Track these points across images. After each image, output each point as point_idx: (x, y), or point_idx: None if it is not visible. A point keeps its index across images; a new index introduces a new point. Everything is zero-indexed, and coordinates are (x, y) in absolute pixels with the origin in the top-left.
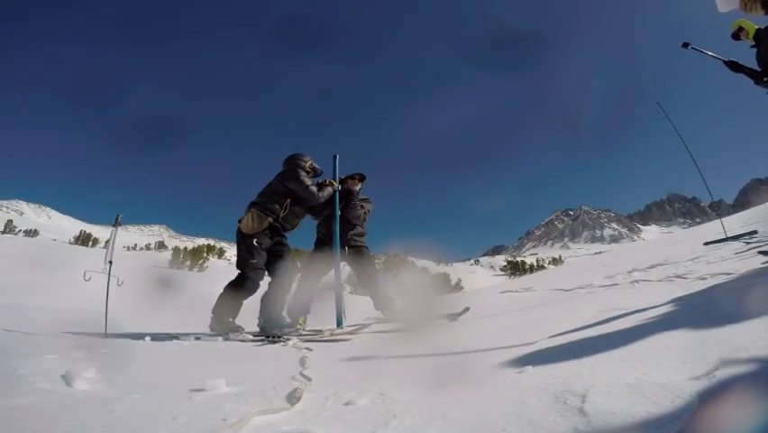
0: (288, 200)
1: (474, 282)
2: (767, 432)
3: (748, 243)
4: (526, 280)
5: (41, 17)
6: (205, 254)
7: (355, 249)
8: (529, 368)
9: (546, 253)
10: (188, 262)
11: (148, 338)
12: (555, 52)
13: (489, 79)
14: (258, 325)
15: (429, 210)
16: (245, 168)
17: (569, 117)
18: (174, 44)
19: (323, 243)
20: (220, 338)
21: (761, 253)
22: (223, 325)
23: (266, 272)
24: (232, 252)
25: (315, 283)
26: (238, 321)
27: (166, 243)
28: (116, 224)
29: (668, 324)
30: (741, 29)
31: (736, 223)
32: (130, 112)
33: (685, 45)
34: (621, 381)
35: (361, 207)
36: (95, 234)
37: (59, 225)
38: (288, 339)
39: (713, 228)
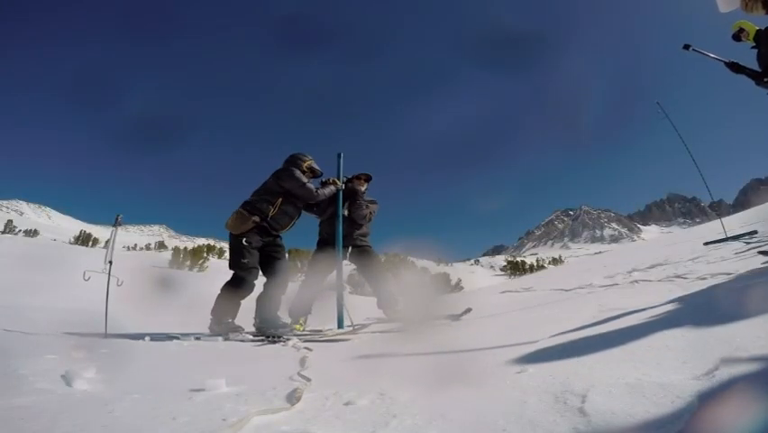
0: (280, 200)
1: (474, 282)
2: (767, 432)
3: (748, 243)
4: (526, 280)
5: (41, 17)
6: (205, 254)
7: (360, 249)
8: (529, 368)
9: (546, 253)
10: (188, 262)
11: (148, 338)
12: (555, 52)
13: (489, 79)
14: (254, 325)
15: (429, 210)
16: (245, 168)
17: (569, 117)
18: (174, 44)
19: (326, 242)
20: (220, 338)
21: (761, 253)
22: (222, 325)
23: (260, 272)
24: None
25: (320, 283)
26: (237, 321)
27: (166, 243)
28: (116, 224)
29: (668, 324)
30: (742, 30)
31: (736, 223)
32: (130, 112)
33: (686, 47)
34: (621, 381)
35: (367, 206)
36: (95, 234)
37: (59, 225)
38: (288, 339)
39: (713, 228)
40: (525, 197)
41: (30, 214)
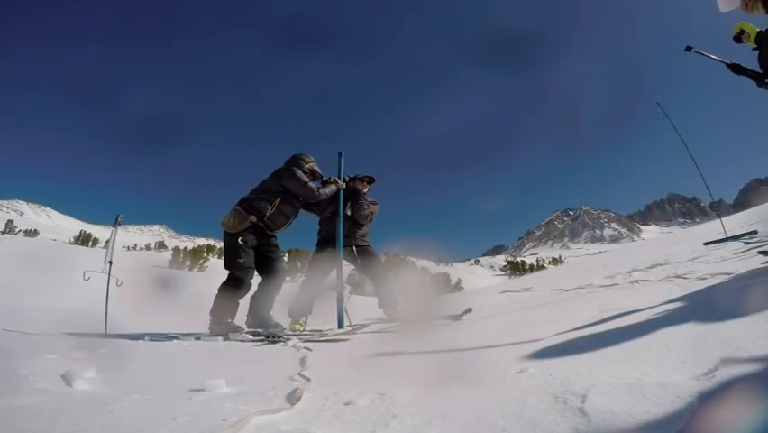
0: (279, 199)
1: (474, 282)
2: (767, 432)
3: (748, 243)
4: (526, 280)
5: (41, 17)
6: (205, 254)
7: (361, 249)
8: (529, 368)
9: (546, 253)
10: (188, 262)
11: (148, 338)
12: (555, 52)
13: (489, 79)
14: (246, 323)
15: (429, 210)
16: (245, 168)
17: (569, 117)
18: (174, 44)
19: (327, 242)
20: (220, 338)
21: (761, 253)
22: (222, 326)
23: (255, 271)
24: None
25: (321, 283)
26: (237, 322)
27: (166, 243)
28: (116, 224)
29: (668, 324)
30: (743, 32)
31: (736, 223)
32: (130, 112)
33: (688, 49)
34: (621, 381)
35: (368, 206)
36: (95, 234)
37: (59, 225)
38: (288, 339)
39: (713, 228)
40: (525, 197)
41: (30, 214)
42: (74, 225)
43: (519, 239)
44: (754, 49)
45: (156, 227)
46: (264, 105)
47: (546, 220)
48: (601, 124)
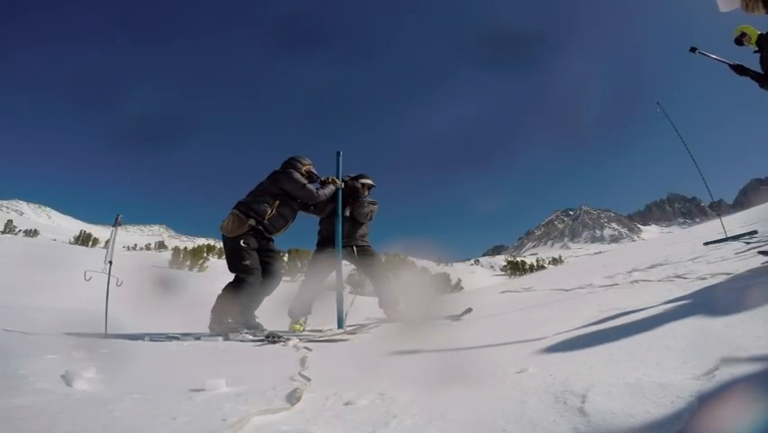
0: (277, 202)
1: (474, 282)
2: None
3: (748, 243)
4: (526, 280)
5: (41, 17)
6: (205, 254)
7: (361, 249)
8: (529, 368)
9: (546, 253)
10: (188, 262)
11: (148, 338)
12: (555, 52)
13: (489, 79)
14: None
15: (429, 210)
16: (245, 168)
17: (569, 117)
18: (174, 44)
19: (327, 242)
20: (220, 338)
21: (761, 253)
22: (222, 325)
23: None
24: None
25: (320, 283)
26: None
27: (166, 243)
28: (116, 224)
29: (668, 324)
30: (744, 34)
31: (736, 223)
32: (130, 112)
33: (693, 50)
34: (621, 381)
35: (367, 205)
36: (95, 235)
37: (59, 225)
38: (288, 339)
39: (713, 228)
40: (525, 197)
41: (30, 214)
42: (74, 225)
43: (519, 239)
44: (755, 52)
45: (156, 227)
46: (264, 105)
47: (546, 220)
48: (601, 124)
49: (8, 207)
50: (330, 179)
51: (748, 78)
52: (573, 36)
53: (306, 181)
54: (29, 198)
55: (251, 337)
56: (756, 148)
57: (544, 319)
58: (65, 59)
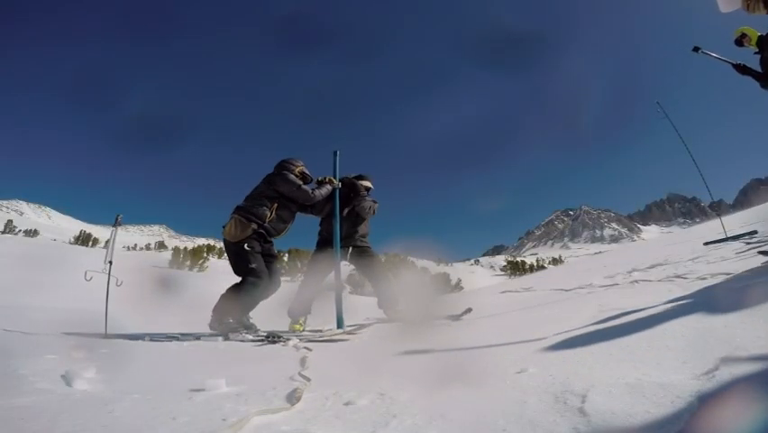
0: (275, 205)
1: (474, 282)
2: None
3: (748, 243)
4: (526, 280)
5: (41, 17)
6: (205, 254)
7: (360, 249)
8: (529, 368)
9: (546, 253)
10: (188, 262)
11: (148, 338)
12: (555, 52)
13: (489, 79)
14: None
15: (429, 210)
16: (245, 168)
17: (569, 117)
18: (174, 44)
19: (326, 242)
20: (220, 338)
21: (761, 253)
22: (223, 325)
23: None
24: None
25: (320, 283)
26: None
27: (166, 243)
28: (116, 224)
29: (668, 324)
30: (744, 35)
31: (736, 223)
32: (130, 112)
33: (696, 49)
34: (621, 381)
35: (367, 199)
36: (95, 234)
37: (59, 225)
38: (288, 339)
39: (713, 228)
40: (525, 197)
41: (30, 214)
42: (74, 225)
43: (519, 239)
44: (755, 53)
45: (156, 227)
46: (264, 106)
47: (546, 220)
48: (601, 124)
49: (8, 207)
50: (327, 179)
51: (750, 78)
52: (573, 36)
53: (301, 183)
54: (29, 198)
55: (251, 337)
56: (756, 148)
57: (544, 319)
58: (65, 59)
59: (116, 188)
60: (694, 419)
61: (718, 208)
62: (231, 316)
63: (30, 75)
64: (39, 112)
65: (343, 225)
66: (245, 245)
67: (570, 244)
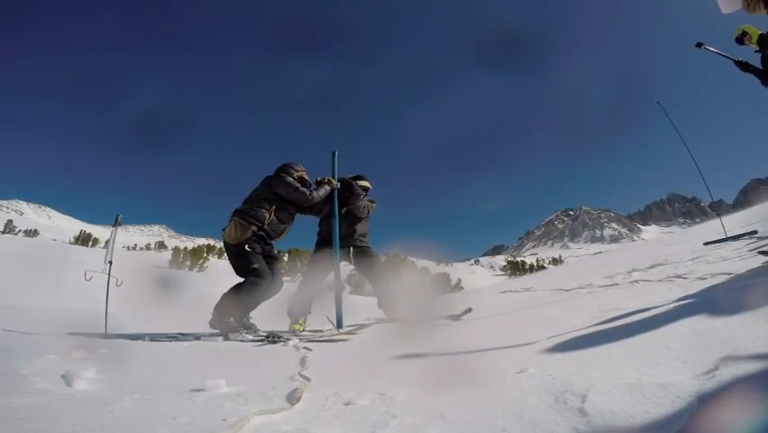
0: (274, 207)
1: (474, 282)
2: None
3: (748, 243)
4: (526, 280)
5: (40, 18)
6: (205, 254)
7: (360, 249)
8: (529, 368)
9: (546, 253)
10: (188, 262)
11: (148, 338)
12: (556, 53)
13: (489, 80)
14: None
15: (429, 210)
16: (245, 168)
17: (569, 117)
18: (174, 44)
19: (325, 242)
20: (220, 338)
21: (761, 253)
22: (223, 324)
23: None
24: None
25: (319, 283)
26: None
27: (166, 243)
28: (116, 224)
29: (668, 324)
30: (745, 34)
31: (736, 223)
32: (130, 112)
33: (698, 45)
34: (621, 381)
35: (363, 198)
36: (95, 234)
37: (59, 225)
38: (288, 339)
39: (713, 228)
40: (526, 197)
41: (30, 214)
42: (74, 225)
43: (519, 239)
44: (756, 51)
45: (156, 227)
46: (264, 106)
47: (546, 220)
48: (601, 124)
49: (8, 207)
50: (325, 180)
51: (751, 75)
52: (574, 37)
53: (298, 185)
54: (29, 198)
55: (251, 337)
56: (756, 148)
57: (544, 319)
58: (65, 60)
59: (116, 188)
60: (694, 419)
61: (718, 208)
62: (232, 315)
63: (30, 75)
64: (39, 112)
65: (342, 224)
66: (246, 247)
67: (570, 244)
